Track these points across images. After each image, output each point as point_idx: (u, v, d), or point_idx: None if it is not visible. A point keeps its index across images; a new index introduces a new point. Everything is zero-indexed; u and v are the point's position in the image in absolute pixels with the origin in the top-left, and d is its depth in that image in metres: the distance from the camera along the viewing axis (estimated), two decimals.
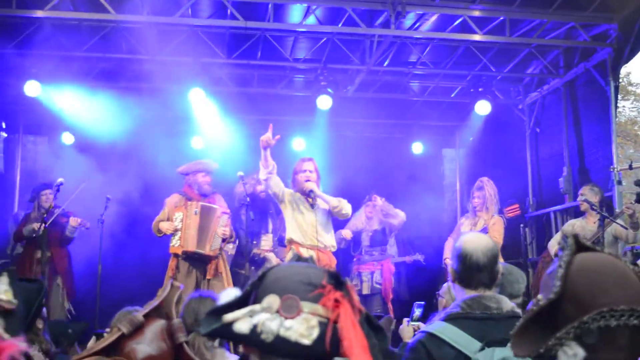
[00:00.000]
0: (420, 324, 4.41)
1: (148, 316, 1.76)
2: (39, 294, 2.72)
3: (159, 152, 10.06)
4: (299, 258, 1.71)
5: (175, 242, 7.41)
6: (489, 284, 2.99)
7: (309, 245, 6.94)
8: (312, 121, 10.87)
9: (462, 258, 2.98)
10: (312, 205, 7.08)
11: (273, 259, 8.40)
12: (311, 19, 8.88)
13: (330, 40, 9.57)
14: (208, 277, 7.44)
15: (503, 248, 7.79)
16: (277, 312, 1.50)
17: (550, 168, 10.62)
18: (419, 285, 10.01)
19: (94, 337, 3.95)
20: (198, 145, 11.05)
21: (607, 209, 8.13)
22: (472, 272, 2.96)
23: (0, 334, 1.91)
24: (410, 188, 10.55)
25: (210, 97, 9.85)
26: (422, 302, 4.82)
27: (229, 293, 1.62)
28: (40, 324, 4.04)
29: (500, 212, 9.28)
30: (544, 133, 10.96)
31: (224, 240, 7.59)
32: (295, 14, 9.05)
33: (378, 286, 8.69)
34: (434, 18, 9.03)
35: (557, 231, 9.40)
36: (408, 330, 4.42)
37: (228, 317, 1.52)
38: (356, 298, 1.56)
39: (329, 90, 9.70)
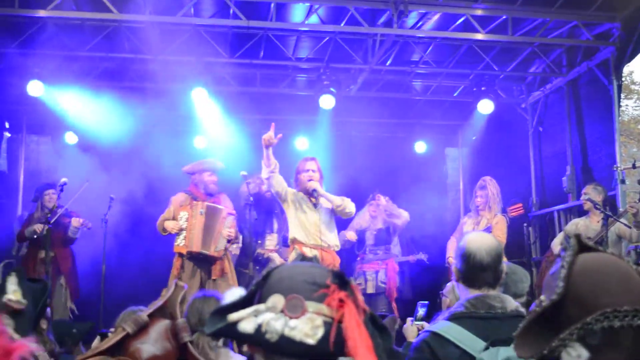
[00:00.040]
0: (424, 323, 4.41)
1: (152, 316, 1.76)
2: (44, 294, 2.73)
3: (162, 152, 10.08)
4: (303, 258, 1.71)
5: (180, 242, 7.39)
6: (493, 284, 2.98)
7: (312, 245, 6.94)
8: (315, 120, 10.88)
9: (466, 257, 2.98)
10: (315, 205, 7.08)
11: (277, 259, 8.39)
12: (314, 18, 8.88)
13: (332, 40, 9.57)
14: (213, 277, 7.42)
15: (506, 247, 7.77)
16: (282, 311, 1.50)
17: (554, 167, 10.60)
18: (423, 285, 10.01)
19: (98, 337, 3.94)
20: (201, 144, 11.06)
21: (610, 208, 8.11)
22: (476, 271, 2.96)
23: (10, 334, 1.92)
24: (413, 187, 10.54)
25: (212, 96, 9.85)
26: (426, 302, 4.81)
27: (234, 293, 1.62)
28: (44, 324, 4.04)
29: (504, 211, 9.27)
30: (547, 132, 10.95)
31: (229, 241, 7.57)
32: (297, 13, 9.05)
33: (383, 285, 8.68)
34: (436, 17, 9.02)
35: (560, 230, 9.39)
36: (412, 330, 4.42)
37: (233, 316, 1.53)
38: (360, 298, 1.56)
39: (332, 89, 9.70)
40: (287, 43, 9.89)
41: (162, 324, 1.77)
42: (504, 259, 3.14)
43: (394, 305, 8.69)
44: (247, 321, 1.51)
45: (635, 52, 8.78)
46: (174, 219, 7.51)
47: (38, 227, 8.25)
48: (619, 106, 8.97)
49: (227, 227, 7.51)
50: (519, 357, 1.58)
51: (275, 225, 8.68)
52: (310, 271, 1.59)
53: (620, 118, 8.73)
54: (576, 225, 8.05)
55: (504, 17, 8.80)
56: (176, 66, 9.49)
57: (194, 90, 9.60)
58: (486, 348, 2.71)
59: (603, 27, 9.06)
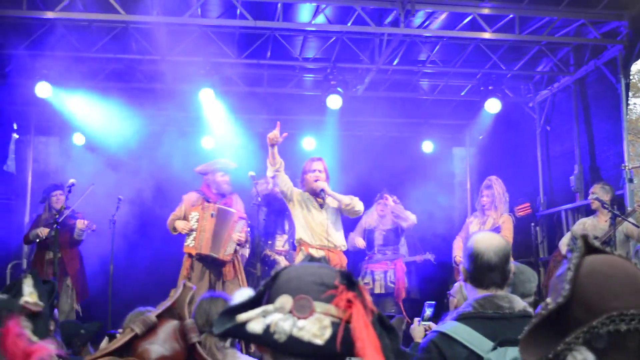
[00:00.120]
0: (431, 323, 4.41)
1: (161, 317, 1.76)
2: (51, 295, 2.74)
3: (169, 152, 10.12)
4: (311, 258, 1.71)
5: (189, 242, 7.39)
6: (501, 284, 2.98)
7: (318, 246, 6.93)
8: (322, 120, 10.89)
9: (474, 257, 2.97)
10: (322, 205, 7.08)
11: (282, 263, 8.40)
12: (320, 18, 8.88)
13: (339, 40, 9.57)
14: (223, 279, 7.41)
15: (514, 247, 7.74)
16: (290, 312, 1.51)
17: (561, 166, 10.58)
18: (430, 285, 10.00)
19: (106, 338, 3.96)
20: (209, 145, 11.07)
21: (618, 207, 8.09)
22: (484, 271, 2.95)
23: (29, 337, 1.93)
24: (420, 187, 10.53)
25: (220, 96, 9.86)
26: (433, 302, 4.81)
27: (242, 293, 1.63)
28: (51, 325, 4.05)
29: (511, 210, 9.25)
30: (555, 131, 10.92)
31: (239, 244, 7.56)
32: (304, 13, 9.05)
33: (392, 285, 8.66)
34: (443, 16, 9.01)
35: (568, 230, 9.37)
36: (419, 330, 4.42)
37: (241, 317, 1.53)
38: (368, 298, 1.56)
39: (339, 89, 9.70)
40: (294, 43, 9.91)
41: (171, 325, 1.77)
42: (511, 259, 3.13)
43: (401, 305, 8.67)
44: (255, 322, 1.52)
45: None
46: (184, 217, 7.50)
47: (41, 231, 8.27)
48: (627, 104, 8.94)
49: (238, 231, 7.46)
50: None
51: (287, 226, 8.69)
52: (318, 272, 1.60)
53: (628, 116, 8.71)
54: (584, 224, 8.03)
55: (511, 15, 8.79)
56: (184, 67, 9.51)
57: (201, 91, 9.61)
58: (494, 348, 2.70)
59: (611, 25, 9.04)
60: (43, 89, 9.27)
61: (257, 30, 9.13)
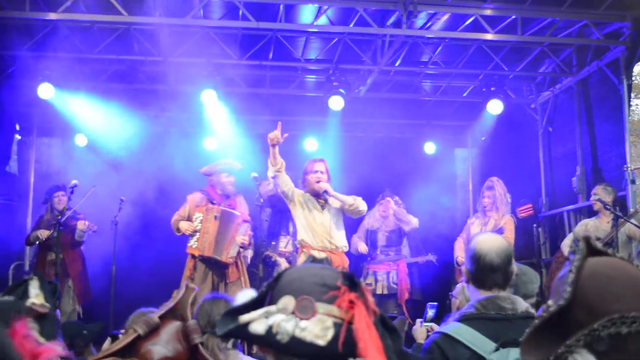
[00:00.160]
0: (433, 324, 4.40)
1: (163, 318, 1.76)
2: (53, 296, 2.74)
3: (172, 153, 10.14)
4: (313, 259, 1.72)
5: (192, 243, 7.38)
6: (503, 285, 2.98)
7: (319, 248, 6.91)
8: (324, 121, 10.89)
9: (476, 259, 2.97)
10: (323, 206, 7.06)
11: (282, 264, 8.39)
12: (322, 19, 8.88)
13: (341, 41, 9.57)
14: (228, 280, 7.39)
15: (516, 248, 7.76)
16: (293, 313, 1.51)
17: (563, 167, 10.58)
18: (432, 286, 10.00)
19: (109, 339, 3.96)
20: (211, 146, 11.07)
21: (620, 208, 8.08)
22: (486, 272, 2.95)
23: (36, 338, 1.93)
24: (422, 188, 10.53)
25: (222, 98, 9.87)
26: (435, 303, 4.80)
27: (245, 294, 1.63)
28: None
29: (513, 211, 9.25)
30: (557, 132, 10.92)
31: (242, 247, 7.54)
32: (306, 14, 9.06)
33: (395, 286, 8.66)
34: (445, 17, 9.01)
35: (570, 231, 9.36)
36: (421, 331, 4.41)
37: (244, 318, 1.54)
38: (370, 299, 1.57)
39: (341, 90, 9.71)
40: (296, 44, 9.91)
41: (173, 326, 1.77)
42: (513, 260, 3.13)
43: (403, 306, 8.67)
44: (258, 322, 1.52)
45: None
46: (188, 218, 7.49)
47: (41, 233, 8.28)
48: (629, 106, 8.94)
49: (241, 234, 7.44)
50: None
51: (291, 228, 8.67)
52: (321, 273, 1.60)
53: (630, 118, 8.71)
54: (586, 225, 8.03)
55: (514, 16, 8.78)
56: (186, 68, 9.52)
57: (203, 92, 9.61)
58: (496, 349, 2.71)
59: (613, 26, 9.03)
60: (46, 90, 9.28)
61: (259, 31, 9.14)
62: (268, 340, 1.50)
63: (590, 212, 8.75)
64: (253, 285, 7.69)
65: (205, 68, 9.50)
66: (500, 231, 7.90)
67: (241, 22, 8.74)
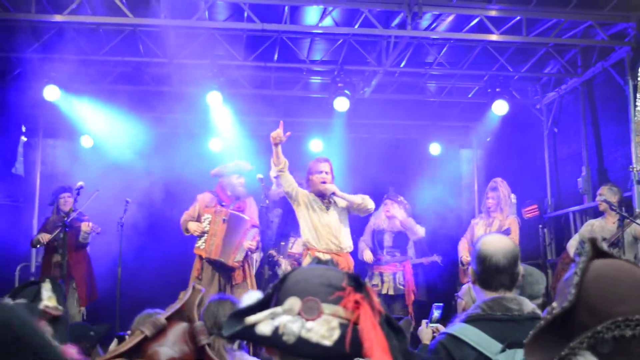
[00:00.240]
0: (438, 325, 4.41)
1: (170, 319, 1.77)
2: (63, 299, 2.75)
3: (177, 155, 10.15)
4: (318, 261, 1.72)
5: (200, 244, 7.38)
6: (510, 286, 2.97)
7: (324, 250, 6.86)
8: (329, 123, 10.90)
9: (482, 260, 2.97)
10: (327, 207, 7.02)
11: (284, 265, 8.38)
12: (327, 21, 8.89)
13: (346, 42, 9.58)
14: (233, 282, 7.38)
15: (521, 249, 7.72)
16: (299, 314, 1.52)
17: (569, 168, 10.56)
18: (437, 287, 9.99)
19: (115, 340, 3.97)
20: (216, 147, 11.08)
21: (626, 209, 8.07)
22: (492, 273, 2.95)
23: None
24: (428, 189, 10.54)
25: (227, 99, 9.88)
26: (441, 304, 4.80)
27: (251, 296, 1.64)
28: None
29: (519, 212, 9.23)
30: (562, 133, 10.91)
31: (249, 251, 7.53)
32: (311, 15, 9.07)
33: (401, 287, 8.64)
34: (450, 18, 9.00)
35: (576, 232, 9.35)
36: (427, 332, 4.41)
37: (250, 319, 1.54)
38: (376, 300, 1.57)
39: (346, 91, 9.71)
40: (301, 45, 9.92)
41: (180, 327, 1.78)
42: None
43: (409, 307, 8.65)
44: (264, 324, 1.53)
45: None
46: (198, 217, 7.49)
47: (42, 237, 8.30)
48: (635, 106, 8.91)
49: (249, 239, 7.42)
50: None
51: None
52: (326, 274, 1.60)
53: (636, 118, 8.68)
54: (591, 226, 8.01)
55: (518, 17, 8.77)
56: (191, 69, 9.53)
57: (208, 93, 9.62)
58: (503, 350, 2.71)
59: (618, 26, 9.02)
60: (51, 92, 9.31)
61: (264, 32, 9.14)
62: (274, 341, 1.51)
63: (596, 213, 8.73)
64: (260, 287, 7.68)
65: (211, 69, 9.51)
66: (507, 232, 7.90)
67: (246, 24, 8.75)
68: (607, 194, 7.84)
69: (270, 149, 6.77)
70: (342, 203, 7.04)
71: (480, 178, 12.24)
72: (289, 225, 8.58)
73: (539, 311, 2.97)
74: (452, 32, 9.29)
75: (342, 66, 9.86)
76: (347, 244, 7.08)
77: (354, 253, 7.48)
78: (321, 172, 7.02)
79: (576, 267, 1.53)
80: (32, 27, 8.98)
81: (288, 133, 6.63)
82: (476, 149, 12.51)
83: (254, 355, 4.07)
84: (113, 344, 3.97)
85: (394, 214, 8.87)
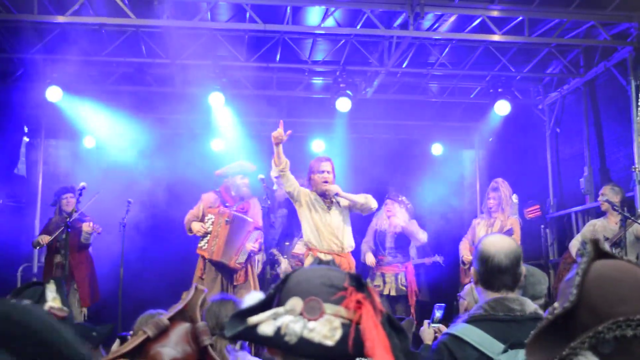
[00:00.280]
0: (440, 326, 4.41)
1: (173, 319, 1.77)
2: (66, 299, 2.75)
3: (179, 155, 10.17)
4: (320, 261, 1.72)
5: (203, 245, 7.38)
6: (512, 286, 2.97)
7: (326, 250, 6.85)
8: (331, 123, 10.90)
9: (485, 260, 2.97)
10: (329, 207, 7.01)
11: (283, 264, 8.38)
12: (329, 21, 8.89)
13: (348, 42, 9.58)
14: (235, 283, 7.39)
15: (523, 249, 7.72)
16: (301, 314, 1.52)
17: (571, 168, 10.56)
18: (439, 287, 9.99)
19: (117, 340, 3.97)
20: (218, 147, 11.09)
21: (628, 209, 8.05)
22: (494, 274, 2.95)
23: None
24: (430, 189, 10.53)
25: (229, 100, 9.88)
26: (443, 304, 4.80)
27: (253, 297, 1.64)
28: None
29: (521, 212, 9.21)
30: (564, 133, 10.90)
31: (252, 253, 7.52)
32: (313, 16, 9.07)
33: (403, 288, 8.63)
34: (452, 19, 9.00)
35: (578, 232, 9.34)
36: (429, 332, 4.41)
37: (252, 319, 1.54)
38: (377, 299, 1.57)
39: (348, 92, 9.71)
40: (303, 46, 9.92)
41: (183, 327, 1.78)
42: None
43: (412, 308, 8.65)
44: (266, 324, 1.53)
45: None
46: (202, 217, 7.49)
47: (42, 239, 8.30)
48: (637, 106, 8.90)
49: (252, 241, 7.42)
50: None
51: None
52: (328, 274, 1.61)
53: (638, 118, 8.68)
54: (594, 226, 8.00)
55: (521, 17, 8.77)
56: (193, 70, 9.54)
57: (211, 94, 9.63)
58: (505, 351, 2.70)
59: (621, 26, 9.01)
60: (53, 93, 9.32)
61: (266, 33, 9.15)
62: (276, 341, 1.51)
63: (598, 213, 8.73)
64: (262, 287, 7.68)
65: (213, 70, 9.52)
66: (509, 232, 7.90)
67: (248, 25, 8.76)
68: (609, 194, 7.84)
69: (272, 149, 6.76)
70: (343, 202, 7.03)
71: (483, 178, 12.23)
72: (293, 225, 8.57)
73: (541, 311, 2.96)
74: (454, 33, 9.29)
75: (344, 66, 9.87)
76: (349, 243, 7.08)
77: (357, 254, 7.48)
78: (323, 171, 7.01)
79: (578, 268, 1.53)
80: (34, 28, 8.99)
81: (289, 132, 6.61)
82: (478, 149, 12.51)
83: (256, 355, 4.07)
84: (115, 345, 3.97)
85: (394, 214, 8.86)
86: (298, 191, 6.97)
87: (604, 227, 7.84)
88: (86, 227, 8.15)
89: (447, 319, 4.53)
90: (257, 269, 8.08)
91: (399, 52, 9.24)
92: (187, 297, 1.82)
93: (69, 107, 10.01)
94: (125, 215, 8.39)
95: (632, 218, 7.49)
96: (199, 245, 7.41)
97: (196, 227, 7.41)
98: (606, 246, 1.60)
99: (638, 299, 1.46)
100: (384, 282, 8.66)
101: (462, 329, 2.88)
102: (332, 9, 8.61)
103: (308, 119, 11.09)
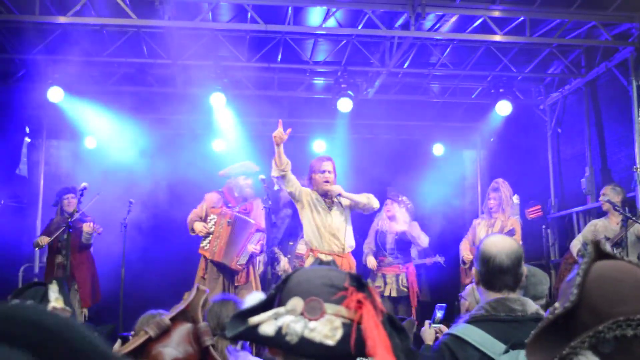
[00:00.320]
0: (441, 326, 4.41)
1: (174, 319, 1.77)
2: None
3: (181, 155, 10.17)
4: (321, 262, 1.73)
5: (205, 245, 7.38)
6: (513, 286, 2.97)
7: (327, 251, 6.82)
8: (332, 123, 10.91)
9: (486, 260, 2.96)
10: (330, 207, 6.98)
11: (283, 262, 8.38)
12: (331, 22, 8.89)
13: (350, 43, 9.58)
14: (236, 284, 7.38)
15: (524, 249, 7.72)
16: (301, 314, 1.52)
17: (572, 169, 10.56)
18: (440, 287, 9.98)
19: (119, 341, 3.98)
20: (219, 148, 11.10)
21: (630, 209, 8.05)
22: (496, 274, 2.95)
23: None
24: (431, 189, 10.53)
25: (230, 100, 9.89)
26: (444, 304, 4.80)
27: (254, 297, 1.64)
28: None
29: (522, 213, 9.21)
30: (566, 133, 10.90)
31: (253, 255, 7.50)
32: (315, 16, 9.07)
33: (404, 289, 8.62)
34: (453, 19, 9.01)
35: (579, 232, 9.34)
36: (430, 333, 4.42)
37: (253, 319, 1.55)
38: (378, 299, 1.58)
39: (349, 92, 9.71)
40: (304, 46, 9.93)
41: (184, 328, 1.78)
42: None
43: (413, 309, 8.64)
44: (267, 324, 1.53)
45: None
46: (205, 216, 7.48)
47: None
48: (639, 106, 8.91)
49: (253, 243, 7.40)
50: None
51: None
52: (328, 274, 1.61)
53: (639, 118, 8.68)
54: (595, 226, 8.00)
55: (522, 18, 8.77)
56: (195, 70, 9.55)
57: (212, 95, 9.63)
58: (506, 351, 2.70)
59: (622, 27, 9.01)
60: (55, 94, 9.33)
61: (267, 33, 9.16)
62: (278, 341, 1.51)
63: (600, 213, 8.72)
64: (264, 288, 7.68)
65: (214, 70, 9.52)
66: (511, 233, 7.90)
67: (250, 25, 8.76)
68: (610, 194, 7.84)
69: (274, 149, 6.74)
70: (344, 202, 7.00)
71: (484, 179, 12.23)
72: (297, 225, 8.56)
73: (542, 312, 2.96)
74: (456, 33, 9.30)
75: (345, 67, 9.87)
76: (350, 243, 7.05)
77: (358, 255, 7.47)
78: (324, 171, 6.96)
79: (578, 269, 1.54)
80: (36, 29, 9.00)
81: (289, 130, 6.56)
82: (480, 149, 12.51)
83: (257, 355, 4.07)
84: (117, 345, 3.98)
85: (395, 218, 8.85)
86: (299, 191, 6.92)
87: (605, 227, 7.84)
88: (86, 227, 8.14)
89: (448, 319, 4.53)
90: (259, 269, 8.08)
91: (400, 53, 9.24)
92: (188, 297, 1.83)
93: (71, 108, 10.02)
94: (127, 216, 8.39)
95: (633, 218, 7.49)
96: (201, 245, 7.41)
97: (198, 227, 7.41)
98: (607, 247, 1.60)
99: (638, 299, 1.46)
100: (385, 283, 8.65)
101: (463, 329, 2.88)
102: (334, 9, 8.61)
103: (309, 119, 11.09)
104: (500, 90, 10.08)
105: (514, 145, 11.44)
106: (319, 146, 11.45)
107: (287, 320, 1.52)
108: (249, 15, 8.58)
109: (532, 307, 2.94)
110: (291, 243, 8.56)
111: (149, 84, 10.43)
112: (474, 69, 10.30)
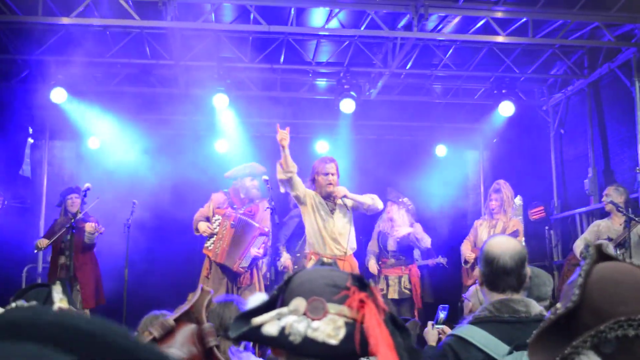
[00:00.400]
0: (444, 327, 4.41)
1: (178, 320, 1.78)
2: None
3: (183, 156, 10.18)
4: (323, 262, 1.73)
5: (209, 245, 7.37)
6: (517, 288, 2.97)
7: (329, 255, 6.77)
8: (335, 124, 10.90)
9: (490, 261, 2.96)
10: (332, 210, 6.95)
11: (283, 258, 8.37)
12: (334, 23, 8.89)
13: (352, 43, 9.58)
14: (239, 285, 7.37)
15: (527, 250, 7.72)
16: (304, 314, 1.53)
17: (575, 169, 10.55)
18: (443, 288, 9.97)
19: None
20: (222, 148, 11.10)
21: (633, 210, 8.05)
22: (500, 275, 2.95)
23: None
24: (434, 190, 10.53)
25: (233, 101, 9.89)
26: (446, 305, 4.81)
27: (257, 298, 1.65)
28: None
29: (525, 214, 9.20)
30: (569, 134, 10.89)
31: (256, 258, 7.50)
32: (317, 17, 9.07)
33: (407, 291, 8.61)
34: (456, 20, 9.00)
35: (582, 233, 9.32)
36: (433, 333, 4.42)
37: (257, 320, 1.55)
38: (380, 299, 1.58)
39: (352, 93, 9.71)
40: (307, 47, 9.93)
41: (188, 329, 1.79)
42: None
43: (415, 311, 8.63)
44: (270, 324, 1.54)
45: None
46: (214, 215, 7.49)
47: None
48: None
49: (257, 246, 7.37)
50: None
51: None
52: (330, 274, 1.62)
53: None
54: (598, 226, 8.00)
55: (525, 19, 8.76)
56: (197, 71, 9.56)
57: (215, 95, 9.64)
58: (510, 352, 2.71)
59: (625, 28, 9.00)
60: (58, 95, 9.34)
61: (270, 34, 9.16)
62: (281, 341, 1.52)
63: (603, 214, 8.72)
64: (267, 289, 7.67)
65: (217, 71, 9.54)
66: (515, 234, 7.89)
67: (252, 26, 8.76)
68: (613, 195, 7.84)
69: (276, 150, 6.72)
70: (349, 203, 6.98)
71: (487, 179, 12.21)
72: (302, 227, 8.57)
73: (546, 313, 2.96)
74: (458, 34, 9.30)
75: (348, 68, 9.87)
76: (352, 245, 7.02)
77: (361, 256, 7.46)
78: (327, 173, 6.88)
79: (580, 270, 1.55)
80: (39, 30, 9.02)
81: (287, 128, 6.51)
82: (482, 150, 12.50)
83: (260, 356, 4.07)
84: None
85: (392, 217, 8.82)
86: (305, 193, 6.88)
87: (608, 228, 7.83)
88: (89, 227, 8.12)
89: (450, 320, 4.53)
90: (262, 269, 8.08)
91: (403, 53, 9.24)
92: (193, 298, 1.83)
93: (74, 108, 10.03)
94: (130, 216, 8.39)
95: (637, 219, 7.49)
96: (206, 245, 7.41)
97: (202, 227, 7.40)
98: (610, 248, 1.61)
99: (639, 300, 1.47)
100: (387, 285, 8.64)
101: (466, 330, 2.88)
102: (336, 10, 8.61)
103: (312, 120, 11.09)
104: (503, 91, 10.08)
105: (517, 146, 11.44)
106: (321, 147, 11.45)
107: (290, 320, 1.53)
108: (251, 16, 8.58)
109: (536, 308, 2.94)
110: (300, 242, 8.57)
111: (151, 84, 10.44)
112: (477, 70, 10.30)
